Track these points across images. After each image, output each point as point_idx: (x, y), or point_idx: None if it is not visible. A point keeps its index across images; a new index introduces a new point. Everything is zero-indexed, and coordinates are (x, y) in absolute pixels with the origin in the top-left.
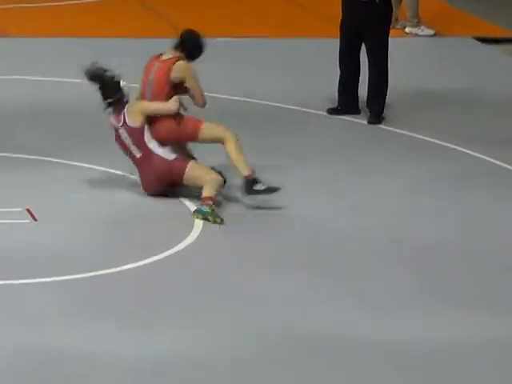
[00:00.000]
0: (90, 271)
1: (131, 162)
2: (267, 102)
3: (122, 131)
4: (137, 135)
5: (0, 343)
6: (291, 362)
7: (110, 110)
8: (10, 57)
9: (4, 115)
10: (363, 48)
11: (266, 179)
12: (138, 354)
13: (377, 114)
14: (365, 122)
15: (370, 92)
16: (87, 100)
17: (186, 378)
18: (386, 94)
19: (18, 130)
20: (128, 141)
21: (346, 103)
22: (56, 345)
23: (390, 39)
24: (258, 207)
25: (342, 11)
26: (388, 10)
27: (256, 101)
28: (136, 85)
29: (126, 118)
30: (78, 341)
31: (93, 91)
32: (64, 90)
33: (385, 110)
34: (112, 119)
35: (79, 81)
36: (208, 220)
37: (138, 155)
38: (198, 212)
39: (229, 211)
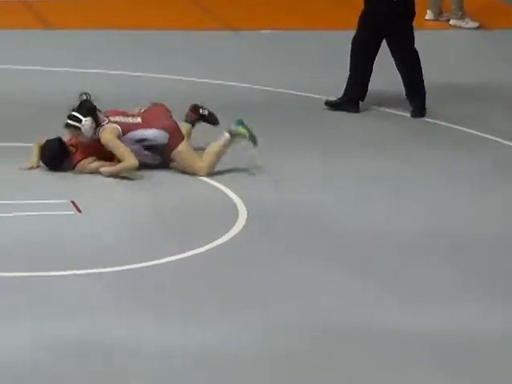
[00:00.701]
0: (133, 263)
1: None
2: (308, 95)
3: None
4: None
5: (41, 335)
6: (329, 355)
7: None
8: (54, 49)
9: (46, 107)
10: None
11: (309, 168)
12: (177, 346)
13: (419, 108)
14: (404, 114)
15: (408, 88)
16: (128, 90)
17: (223, 371)
18: (423, 86)
19: (61, 122)
20: None
21: (348, 99)
22: (96, 337)
23: (434, 32)
24: (302, 201)
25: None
26: (408, 4)
27: (298, 93)
28: (180, 77)
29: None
30: (118, 333)
31: (133, 81)
32: (106, 81)
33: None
34: None
35: (121, 72)
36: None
37: None
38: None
39: (272, 203)
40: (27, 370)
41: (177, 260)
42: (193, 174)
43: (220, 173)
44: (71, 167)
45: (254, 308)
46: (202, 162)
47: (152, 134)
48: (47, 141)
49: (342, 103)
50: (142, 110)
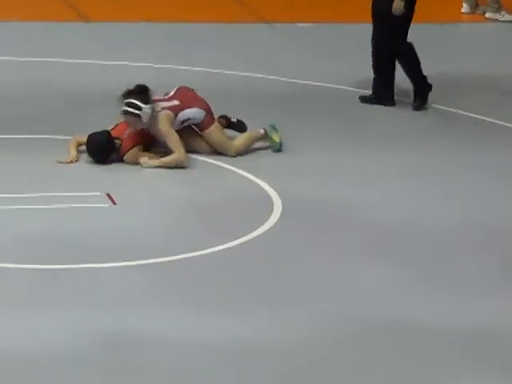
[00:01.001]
0: (169, 255)
1: None
2: (340, 87)
3: None
4: None
5: (81, 327)
6: (364, 349)
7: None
8: (87, 41)
9: (84, 99)
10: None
11: (342, 162)
12: (213, 338)
13: (415, 100)
14: (438, 107)
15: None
16: (164, 83)
17: (258, 364)
18: (419, 80)
19: (98, 113)
20: None
21: (378, 92)
22: (134, 328)
23: (470, 25)
24: (336, 194)
25: None
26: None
27: (330, 85)
28: (217, 70)
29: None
30: (156, 324)
31: (170, 74)
32: (141, 74)
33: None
34: None
35: (152, 65)
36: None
37: None
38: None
39: (307, 196)
40: (69, 361)
41: (213, 252)
42: (222, 152)
43: (255, 166)
44: (120, 158)
45: (290, 301)
46: (234, 141)
47: (193, 112)
48: (93, 134)
49: (376, 98)
50: (171, 94)
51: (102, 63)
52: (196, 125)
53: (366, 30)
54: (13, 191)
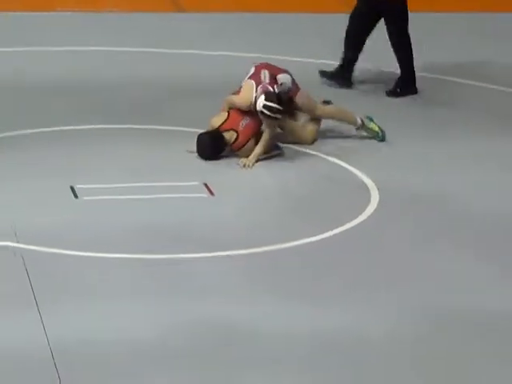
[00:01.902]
0: (265, 246)
1: None
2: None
3: None
4: None
5: (172, 316)
6: (455, 342)
7: None
8: (186, 32)
9: (178, 90)
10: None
11: (435, 153)
12: (306, 329)
13: (394, 90)
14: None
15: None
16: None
17: (351, 355)
18: (403, 68)
19: (194, 105)
20: None
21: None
22: (226, 319)
23: None
24: (434, 186)
25: None
26: None
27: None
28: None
29: None
30: (248, 315)
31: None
32: (237, 65)
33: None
34: None
35: (251, 55)
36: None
37: None
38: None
39: (404, 188)
40: (166, 351)
41: (309, 243)
42: (311, 115)
43: (350, 155)
44: (234, 150)
45: (383, 293)
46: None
47: (285, 78)
48: (202, 135)
49: (335, 75)
50: (262, 78)
51: (199, 53)
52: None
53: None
54: (112, 181)
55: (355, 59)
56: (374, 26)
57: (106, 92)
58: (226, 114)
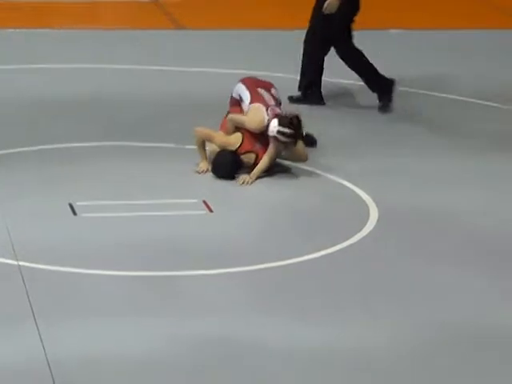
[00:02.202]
0: (266, 263)
1: None
2: (433, 93)
3: None
4: None
5: (171, 334)
6: (458, 359)
7: None
8: (184, 49)
9: (179, 107)
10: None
11: (440, 168)
12: (308, 346)
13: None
14: None
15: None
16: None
17: (351, 372)
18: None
19: (196, 121)
20: None
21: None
22: (226, 336)
23: None
24: (435, 203)
25: None
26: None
27: (432, 93)
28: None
29: None
30: (256, 332)
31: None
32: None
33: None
34: None
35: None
36: None
37: None
38: None
39: (404, 205)
40: (171, 367)
41: (309, 260)
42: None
43: (349, 172)
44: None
45: (384, 309)
46: None
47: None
48: (219, 156)
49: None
50: (263, 94)
51: (208, 71)
52: None
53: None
54: (111, 199)
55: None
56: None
57: (105, 109)
58: (241, 135)
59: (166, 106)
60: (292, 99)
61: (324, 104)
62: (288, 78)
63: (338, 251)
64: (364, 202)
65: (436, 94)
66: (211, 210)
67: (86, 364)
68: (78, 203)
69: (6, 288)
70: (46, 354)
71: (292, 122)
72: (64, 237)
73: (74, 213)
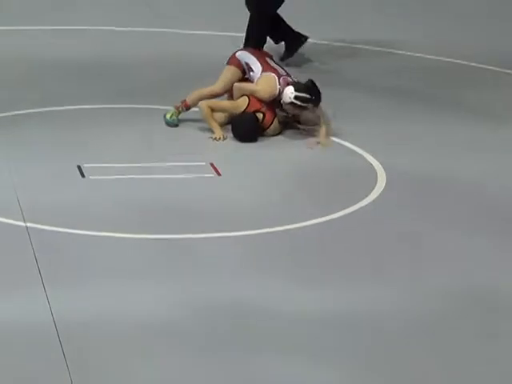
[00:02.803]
0: (273, 226)
1: None
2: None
3: None
4: None
5: (179, 296)
6: (474, 321)
7: None
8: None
9: (190, 71)
10: None
11: (452, 136)
12: (318, 310)
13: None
14: None
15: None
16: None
17: (364, 336)
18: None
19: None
20: None
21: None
22: (232, 298)
23: None
24: (444, 166)
25: None
26: None
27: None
28: None
29: None
30: (256, 295)
31: None
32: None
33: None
34: None
35: None
36: None
37: None
38: None
39: (412, 170)
40: (171, 330)
41: (316, 224)
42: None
43: (357, 136)
44: (262, 130)
45: (392, 272)
46: None
47: None
48: (241, 116)
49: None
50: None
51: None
52: None
53: None
54: (119, 161)
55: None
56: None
57: (115, 71)
58: (247, 98)
59: (175, 68)
60: (283, 59)
61: (307, 37)
62: None
63: (345, 215)
64: (373, 167)
65: (454, 59)
66: (219, 174)
67: (93, 327)
68: (86, 165)
69: (14, 249)
70: (53, 317)
71: (308, 87)
72: (72, 199)
73: (83, 175)
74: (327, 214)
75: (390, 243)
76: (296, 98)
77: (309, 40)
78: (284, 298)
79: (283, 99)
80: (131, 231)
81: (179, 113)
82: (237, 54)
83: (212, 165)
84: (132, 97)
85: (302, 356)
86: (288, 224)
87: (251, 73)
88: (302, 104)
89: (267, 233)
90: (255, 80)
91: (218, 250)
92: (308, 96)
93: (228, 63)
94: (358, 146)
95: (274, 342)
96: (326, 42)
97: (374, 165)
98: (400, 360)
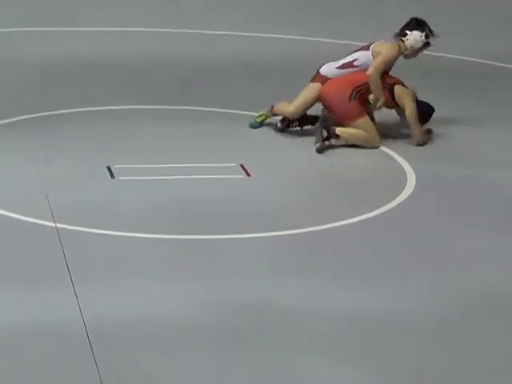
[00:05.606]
0: (302, 228)
1: None
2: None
3: None
4: None
5: (205, 296)
6: (497, 324)
7: None
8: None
9: (217, 71)
10: None
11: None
12: (343, 311)
13: None
14: None
15: None
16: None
17: (387, 339)
18: None
19: (232, 86)
20: None
21: None
22: (260, 299)
23: None
24: (473, 171)
25: None
26: None
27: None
28: None
29: None
30: (282, 296)
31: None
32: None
33: None
34: None
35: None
36: None
37: None
38: None
39: (442, 173)
40: (202, 329)
41: (346, 225)
42: None
43: (392, 140)
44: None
45: (420, 273)
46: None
47: None
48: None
49: None
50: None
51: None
52: None
53: None
54: (148, 162)
55: None
56: None
57: (144, 72)
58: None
59: (204, 69)
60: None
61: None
62: None
63: (375, 216)
64: (403, 169)
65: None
66: (249, 175)
67: (122, 326)
68: (115, 166)
69: (44, 250)
70: (82, 316)
71: (420, 23)
72: (101, 199)
73: (112, 176)
74: (356, 216)
75: (416, 244)
76: (426, 36)
77: None
78: (310, 299)
79: (413, 46)
80: (160, 232)
81: (266, 118)
82: (320, 70)
83: (242, 166)
84: (161, 97)
85: (328, 356)
86: (316, 225)
87: (356, 61)
88: (431, 40)
89: (295, 234)
90: (368, 61)
91: (247, 251)
92: (431, 30)
93: (312, 81)
94: (388, 147)
95: (299, 342)
96: None
97: (404, 167)
98: (427, 359)
